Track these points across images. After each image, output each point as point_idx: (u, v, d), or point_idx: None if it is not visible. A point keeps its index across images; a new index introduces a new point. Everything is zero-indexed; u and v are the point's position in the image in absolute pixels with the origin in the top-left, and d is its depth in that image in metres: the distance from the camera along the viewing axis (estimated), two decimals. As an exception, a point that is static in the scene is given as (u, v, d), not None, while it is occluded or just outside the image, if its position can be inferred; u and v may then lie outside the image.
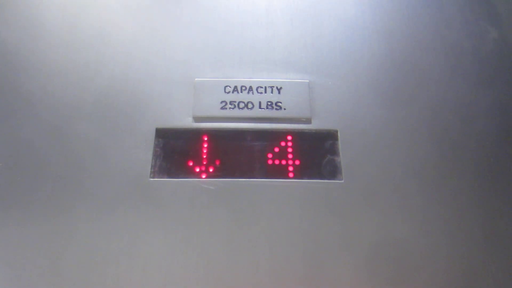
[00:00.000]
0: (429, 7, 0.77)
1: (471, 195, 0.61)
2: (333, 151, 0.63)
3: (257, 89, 0.67)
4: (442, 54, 0.72)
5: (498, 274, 0.56)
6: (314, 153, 0.63)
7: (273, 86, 0.67)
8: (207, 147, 0.63)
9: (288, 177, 0.61)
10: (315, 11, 0.76)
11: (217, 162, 0.62)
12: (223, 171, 0.62)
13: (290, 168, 0.62)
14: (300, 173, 0.62)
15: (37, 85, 0.67)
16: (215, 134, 0.64)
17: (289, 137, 0.64)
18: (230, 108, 0.65)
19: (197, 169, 0.62)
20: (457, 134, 0.65)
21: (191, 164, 0.62)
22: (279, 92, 0.67)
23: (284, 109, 0.66)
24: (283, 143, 0.64)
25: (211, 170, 0.62)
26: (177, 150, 0.63)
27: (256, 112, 0.65)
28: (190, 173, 0.61)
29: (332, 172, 0.62)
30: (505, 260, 0.57)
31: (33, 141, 0.63)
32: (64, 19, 0.73)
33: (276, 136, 0.64)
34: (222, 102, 0.66)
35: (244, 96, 0.66)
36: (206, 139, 0.64)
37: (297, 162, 0.62)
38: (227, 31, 0.73)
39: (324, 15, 0.75)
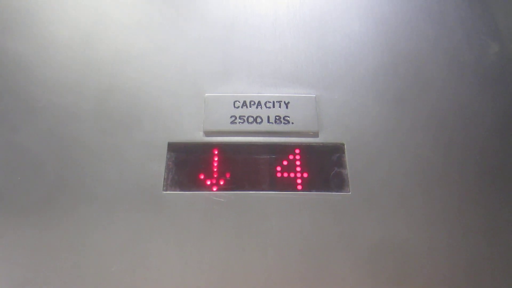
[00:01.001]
0: (432, 21, 0.79)
1: (475, 205, 0.62)
2: (340, 163, 0.65)
3: (265, 104, 0.69)
4: (445, 66, 0.74)
5: (499, 275, 0.57)
6: (322, 166, 0.65)
7: (281, 101, 0.69)
8: (218, 161, 0.65)
9: (297, 190, 0.63)
10: (321, 26, 0.78)
11: (228, 175, 0.64)
12: (233, 184, 0.63)
13: (299, 181, 0.63)
14: (308, 185, 0.63)
15: (52, 99, 0.69)
16: (225, 148, 0.66)
17: (297, 151, 0.66)
18: (239, 122, 0.67)
19: (208, 182, 0.63)
20: (461, 144, 0.66)
21: (202, 177, 0.63)
22: (286, 107, 0.69)
23: (292, 123, 0.67)
24: (291, 156, 0.65)
25: (221, 183, 0.63)
26: (188, 164, 0.65)
27: (265, 126, 0.67)
28: (201, 186, 0.63)
29: (340, 184, 0.63)
30: (506, 261, 0.58)
31: (49, 153, 0.64)
32: (76, 35, 0.75)
33: (284, 150, 0.66)
34: (232, 116, 0.68)
35: (253, 111, 0.68)
36: (216, 152, 0.65)
37: (305, 175, 0.64)
38: (235, 46, 0.75)
39: (329, 30, 0.77)
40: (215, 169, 0.64)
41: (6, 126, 0.67)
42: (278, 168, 0.64)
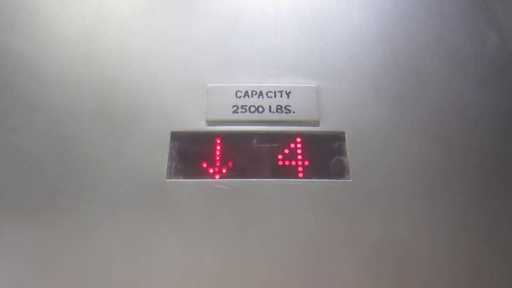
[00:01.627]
0: (432, 14, 0.80)
1: (474, 195, 0.63)
2: (341, 152, 0.66)
3: (267, 94, 0.70)
4: (444, 58, 0.74)
5: (500, 272, 0.58)
6: (323, 154, 0.66)
7: (282, 91, 0.70)
8: (220, 149, 0.66)
9: (298, 177, 0.64)
10: (322, 19, 0.79)
11: (230, 163, 0.65)
12: (235, 172, 0.64)
13: (300, 169, 0.64)
14: (309, 173, 0.64)
15: (59, 92, 0.70)
16: (227, 137, 0.67)
17: (298, 139, 0.67)
18: (241, 112, 0.68)
19: (211, 170, 0.64)
20: (460, 135, 0.67)
21: (205, 165, 0.65)
22: (288, 96, 0.70)
23: (293, 112, 0.68)
24: (292, 145, 0.66)
25: (224, 171, 0.64)
26: (191, 152, 0.66)
27: (267, 116, 0.68)
28: (204, 174, 0.64)
29: (340, 172, 0.64)
30: (507, 260, 0.59)
31: (54, 145, 0.65)
32: (81, 30, 0.76)
33: (285, 138, 0.67)
34: (234, 106, 0.69)
35: (254, 101, 0.69)
36: (219, 141, 0.66)
37: (306, 163, 0.65)
38: (238, 38, 0.76)
39: (330, 23, 0.78)
40: (218, 158, 0.65)
41: (7, 125, 0.67)
42: (280, 156, 0.65)
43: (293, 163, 0.65)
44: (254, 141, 0.67)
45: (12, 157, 0.65)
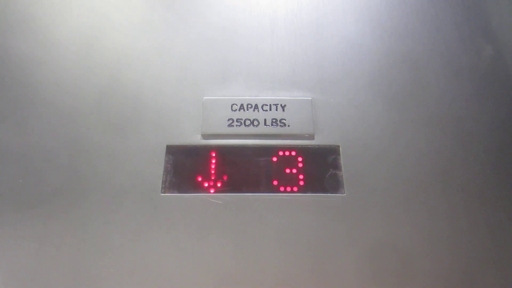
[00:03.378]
0: (427, 26, 0.80)
1: (471, 206, 0.63)
2: (335, 165, 0.66)
3: (262, 107, 0.70)
4: (440, 70, 0.75)
5: (501, 273, 0.58)
6: (317, 168, 0.66)
7: (278, 104, 0.70)
8: (215, 163, 0.66)
9: (293, 191, 0.64)
10: (318, 30, 0.79)
11: (225, 177, 0.65)
12: (230, 186, 0.64)
13: (295, 183, 0.64)
14: (304, 187, 0.64)
15: (53, 100, 0.70)
16: (222, 151, 0.67)
17: (293, 153, 0.67)
18: (236, 125, 0.68)
19: (206, 184, 0.64)
20: (456, 147, 0.67)
21: (200, 179, 0.65)
22: (283, 110, 0.70)
23: (288, 126, 0.68)
24: (287, 159, 0.66)
25: (219, 185, 0.64)
26: (186, 166, 0.66)
27: (262, 129, 0.68)
28: (199, 188, 0.64)
29: (335, 186, 0.64)
30: (509, 260, 0.59)
31: (56, 155, 0.66)
32: (80, 41, 0.77)
33: (280, 152, 0.67)
34: (229, 119, 0.69)
35: (250, 114, 0.69)
36: (214, 155, 0.67)
37: (301, 177, 0.65)
38: (234, 49, 0.76)
39: (326, 34, 0.78)
40: (213, 172, 0.65)
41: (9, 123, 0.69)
42: (275, 170, 0.65)
43: (288, 177, 0.65)
44: (249, 155, 0.67)
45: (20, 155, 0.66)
